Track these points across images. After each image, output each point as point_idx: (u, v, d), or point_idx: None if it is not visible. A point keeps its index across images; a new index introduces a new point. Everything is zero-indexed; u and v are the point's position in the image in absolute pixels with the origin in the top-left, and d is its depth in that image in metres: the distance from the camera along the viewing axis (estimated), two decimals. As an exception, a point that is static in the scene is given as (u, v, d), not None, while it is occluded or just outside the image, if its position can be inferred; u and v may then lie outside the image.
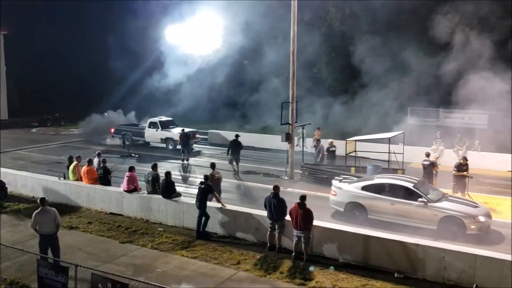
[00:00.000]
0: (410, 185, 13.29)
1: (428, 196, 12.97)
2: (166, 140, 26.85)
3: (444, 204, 12.85)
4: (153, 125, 27.41)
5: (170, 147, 26.43)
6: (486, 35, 24.89)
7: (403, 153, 18.65)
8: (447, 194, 13.78)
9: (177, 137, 25.23)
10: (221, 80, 34.40)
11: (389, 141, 18.31)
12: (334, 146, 20.79)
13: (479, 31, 25.78)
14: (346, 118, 28.14)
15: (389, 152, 18.14)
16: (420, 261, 9.99)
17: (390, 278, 10.00)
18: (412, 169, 18.87)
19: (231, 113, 34.39)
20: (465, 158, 15.94)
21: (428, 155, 16.89)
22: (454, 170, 15.69)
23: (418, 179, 14.15)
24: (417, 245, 10.08)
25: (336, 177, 15.66)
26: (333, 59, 32.18)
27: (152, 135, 27.29)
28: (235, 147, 21.00)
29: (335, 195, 14.43)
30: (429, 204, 12.70)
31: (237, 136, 21.85)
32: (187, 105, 32.83)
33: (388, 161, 18.19)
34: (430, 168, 16.30)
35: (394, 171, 18.01)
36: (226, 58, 33.97)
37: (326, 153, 20.94)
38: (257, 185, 18.53)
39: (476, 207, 13.03)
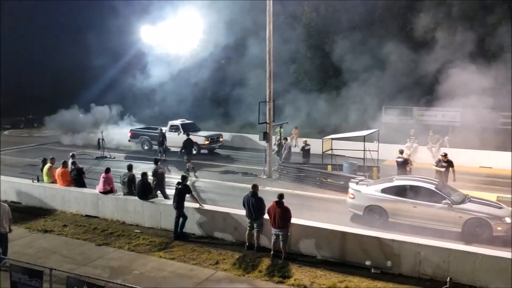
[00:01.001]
0: (432, 187, 12.95)
1: (452, 197, 12.67)
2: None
3: (468, 205, 12.51)
4: (174, 128, 25.70)
5: (194, 152, 24.26)
6: (464, 33, 25.54)
7: (378, 151, 18.97)
8: (468, 195, 13.33)
9: (201, 141, 24.39)
10: (204, 79, 34.22)
11: (364, 139, 18.59)
12: (309, 145, 20.98)
13: (457, 29, 26.43)
14: (325, 116, 28.46)
15: (364, 150, 18.40)
16: (396, 256, 10.14)
17: (367, 274, 10.13)
18: (387, 166, 19.20)
19: (213, 111, 34.26)
20: (445, 155, 16.07)
21: (401, 152, 17.13)
22: (434, 165, 16.05)
23: (437, 180, 13.97)
24: (393, 240, 10.24)
25: (352, 180, 15.25)
26: (309, 59, 32.40)
27: (173, 139, 24.99)
28: (188, 147, 21.48)
29: (353, 198, 13.89)
30: (454, 206, 12.38)
31: (188, 134, 22.40)
32: (169, 104, 32.65)
33: (364, 158, 18.45)
34: (403, 165, 16.55)
35: (369, 168, 18.34)
36: (209, 56, 33.71)
37: (301, 151, 21.10)
38: (236, 184, 18.54)
39: (501, 208, 12.69)
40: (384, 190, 13.40)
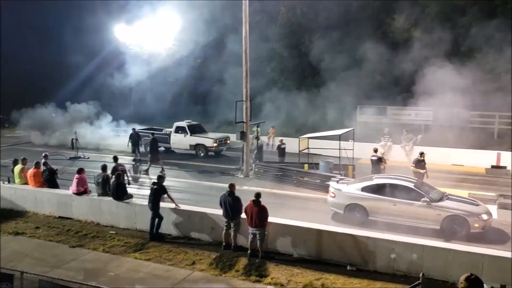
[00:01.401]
0: (411, 185, 13.10)
1: (430, 195, 12.81)
2: (196, 146, 24.44)
3: (446, 203, 12.68)
4: (180, 130, 24.84)
5: (201, 154, 24.20)
6: (438, 33, 26.10)
7: (353, 149, 19.21)
8: (446, 193, 13.55)
9: (209, 144, 23.79)
10: (182, 77, 33.86)
11: (339, 138, 18.79)
12: (284, 144, 21.10)
13: (431, 29, 26.99)
14: (302, 115, 28.69)
15: (340, 149, 18.60)
16: (371, 253, 10.28)
17: (342, 271, 10.23)
18: (362, 164, 19.45)
19: (191, 110, 33.89)
20: (422, 154, 16.30)
21: (375, 150, 17.38)
22: (412, 166, 16.31)
23: (416, 178, 14.11)
24: (368, 237, 10.37)
25: (333, 178, 15.36)
26: (286, 58, 32.55)
27: (180, 141, 24.67)
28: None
29: (333, 196, 13.95)
30: (432, 203, 12.53)
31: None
32: (146, 103, 32.32)
33: (339, 157, 18.65)
34: (377, 163, 16.81)
35: (345, 167, 18.55)
36: (190, 54, 33.50)
37: (277, 150, 21.18)
38: (213, 184, 18.49)
39: (478, 205, 12.89)
40: (364, 189, 13.50)
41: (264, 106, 29.45)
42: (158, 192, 12.29)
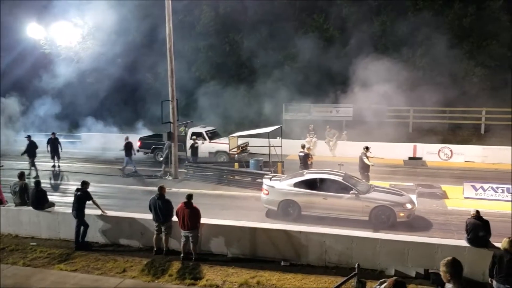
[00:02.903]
0: (339, 179, 13.39)
1: (358, 188, 13.19)
2: (216, 153, 22.30)
3: (373, 194, 13.11)
4: (197, 136, 22.39)
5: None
6: (357, 34, 27.26)
7: (281, 146, 19.56)
8: (373, 185, 14.12)
9: (232, 150, 20.92)
10: (110, 77, 32.37)
11: (268, 135, 19.02)
12: (197, 142, 20.91)
13: (350, 30, 28.12)
14: (233, 114, 28.67)
15: (269, 146, 18.84)
16: (304, 248, 10.49)
17: (277, 267, 10.33)
18: (290, 161, 19.86)
19: (120, 110, 32.36)
20: (367, 148, 16.65)
21: (303, 146, 17.77)
22: (364, 159, 16.72)
23: (344, 172, 14.40)
24: (300, 232, 10.56)
25: (266, 176, 15.39)
26: (209, 57, 32.37)
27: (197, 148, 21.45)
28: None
29: (267, 193, 13.99)
30: (360, 195, 12.91)
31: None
32: (73, 103, 30.65)
33: (269, 154, 18.89)
34: (305, 159, 17.22)
35: (274, 163, 18.82)
36: (114, 54, 32.20)
37: (190, 149, 20.88)
38: (140, 187, 17.92)
39: (402, 195, 13.45)
40: (296, 184, 13.70)
41: (199, 104, 29.13)
42: (82, 198, 11.66)
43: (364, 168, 16.31)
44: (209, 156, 22.44)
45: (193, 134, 22.85)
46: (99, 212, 11.97)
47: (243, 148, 21.38)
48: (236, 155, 20.70)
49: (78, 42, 33.15)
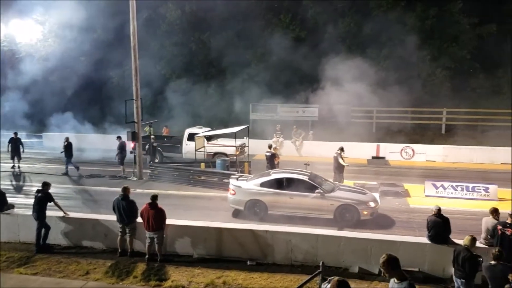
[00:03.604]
0: (305, 178, 13.51)
1: (323, 187, 13.33)
2: (215, 155, 20.90)
3: (338, 193, 13.30)
4: (194, 137, 21.00)
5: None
6: (323, 34, 27.50)
7: (248, 146, 19.58)
8: (337, 183, 14.38)
9: (228, 151, 20.38)
10: (76, 74, 31.44)
11: (235, 135, 19.01)
12: (156, 141, 20.70)
13: (316, 30, 28.36)
14: (199, 113, 28.48)
15: (236, 146, 18.82)
16: (270, 247, 10.53)
17: (243, 267, 10.35)
18: (257, 160, 19.92)
19: (84, 109, 31.38)
20: (342, 148, 16.86)
21: (270, 146, 17.90)
22: (340, 160, 16.85)
23: (310, 172, 14.49)
24: (266, 231, 10.60)
25: (232, 176, 15.37)
26: (175, 56, 32.05)
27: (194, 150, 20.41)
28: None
29: (234, 194, 13.99)
30: (325, 194, 13.06)
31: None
32: (34, 104, 29.66)
33: (235, 154, 18.87)
34: (272, 159, 17.32)
35: (241, 163, 18.83)
36: (90, 49, 31.42)
37: (148, 148, 20.59)
38: (103, 188, 17.56)
39: (365, 193, 13.70)
40: (263, 184, 13.75)
41: (167, 102, 28.77)
42: (43, 200, 11.32)
43: (339, 168, 16.57)
44: (206, 158, 20.97)
45: (190, 134, 22.15)
46: (61, 213, 11.65)
47: (242, 149, 21.09)
48: (236, 156, 19.84)
49: (38, 40, 32.38)
